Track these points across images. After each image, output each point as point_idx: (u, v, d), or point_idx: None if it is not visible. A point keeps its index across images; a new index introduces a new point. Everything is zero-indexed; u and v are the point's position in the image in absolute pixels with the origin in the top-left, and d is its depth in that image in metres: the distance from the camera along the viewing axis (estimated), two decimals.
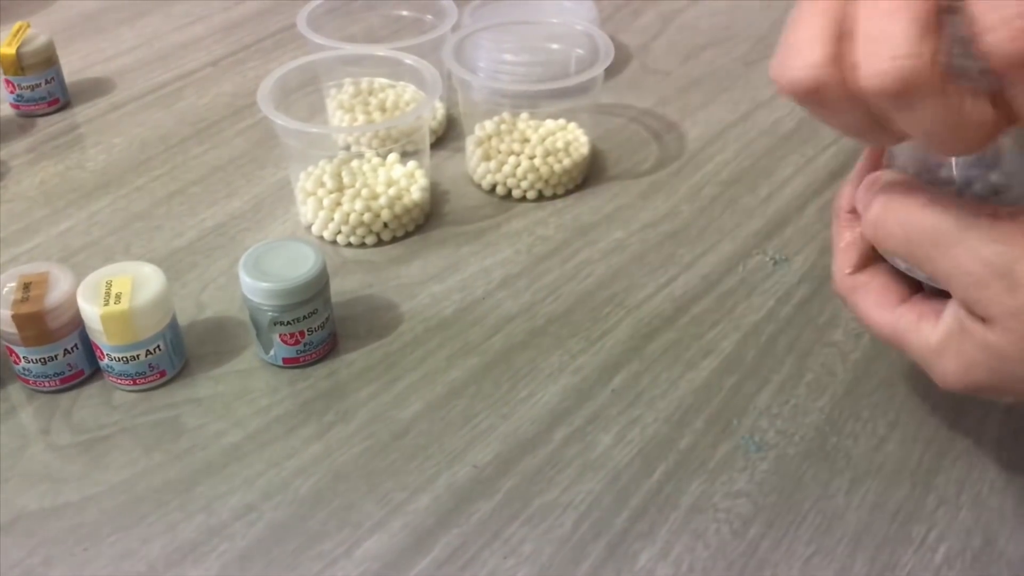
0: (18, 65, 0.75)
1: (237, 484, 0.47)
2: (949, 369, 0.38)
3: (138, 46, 0.87)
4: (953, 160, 0.39)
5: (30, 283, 0.51)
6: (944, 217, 0.36)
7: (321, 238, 0.64)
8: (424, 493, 0.47)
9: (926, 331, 0.39)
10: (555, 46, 0.75)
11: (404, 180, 0.64)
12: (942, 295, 0.39)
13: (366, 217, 0.62)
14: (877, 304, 0.42)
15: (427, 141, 0.66)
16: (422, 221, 0.65)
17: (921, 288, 0.42)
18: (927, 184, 0.39)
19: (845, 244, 0.44)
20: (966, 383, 0.38)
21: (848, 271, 0.43)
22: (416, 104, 0.69)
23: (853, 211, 0.43)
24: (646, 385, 0.52)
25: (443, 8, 0.74)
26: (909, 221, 0.37)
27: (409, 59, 0.67)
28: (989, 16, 0.29)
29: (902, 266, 0.41)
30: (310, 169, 0.64)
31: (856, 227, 0.43)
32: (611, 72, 0.81)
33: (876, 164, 0.43)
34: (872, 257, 0.43)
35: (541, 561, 0.44)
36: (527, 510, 0.46)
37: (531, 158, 0.66)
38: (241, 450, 0.49)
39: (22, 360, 0.51)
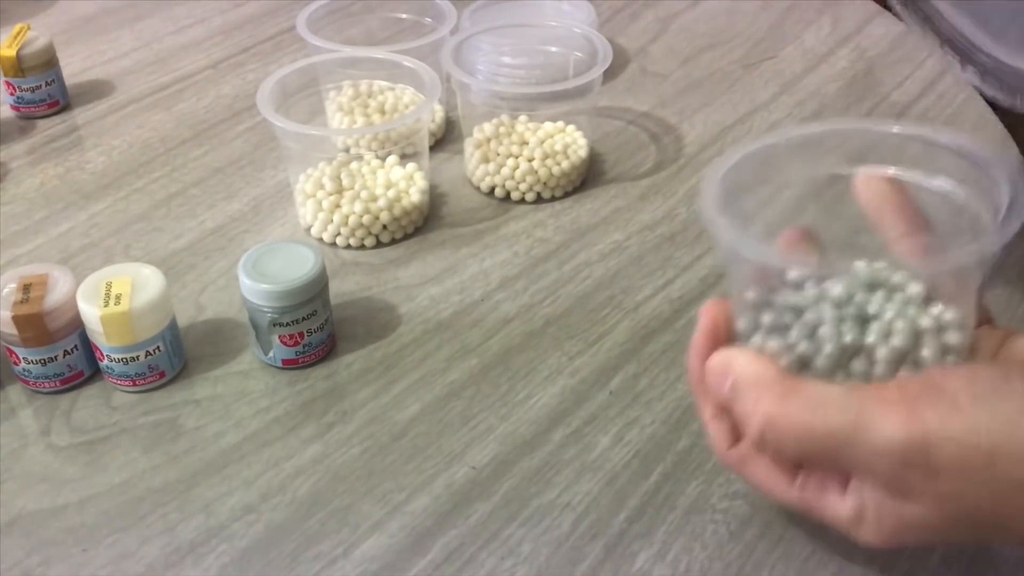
0: (18, 67, 0.75)
1: (236, 485, 0.47)
2: (871, 538, 0.36)
3: (138, 48, 0.87)
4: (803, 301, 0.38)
5: (30, 284, 0.51)
6: (835, 417, 0.33)
7: (320, 240, 0.64)
8: (422, 494, 0.47)
9: (833, 503, 0.37)
10: (554, 49, 0.75)
11: (403, 182, 0.64)
12: None
13: (365, 219, 0.62)
14: (772, 479, 0.39)
15: (426, 143, 0.66)
16: (421, 223, 0.65)
17: None
18: (781, 356, 0.36)
19: (711, 416, 0.41)
20: (892, 545, 0.36)
21: (727, 446, 0.40)
22: (415, 106, 0.69)
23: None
24: (644, 387, 0.52)
25: (442, 11, 0.74)
26: (801, 434, 0.34)
27: (408, 61, 0.67)
28: None
29: None
30: (309, 171, 0.64)
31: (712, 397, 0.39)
32: (609, 75, 0.81)
33: (714, 331, 0.40)
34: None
35: (539, 562, 0.44)
36: (525, 511, 0.46)
37: (530, 160, 0.66)
38: (240, 451, 0.49)
39: (22, 361, 0.51)
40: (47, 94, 0.77)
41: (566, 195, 0.68)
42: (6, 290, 0.51)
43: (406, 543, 0.45)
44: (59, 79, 0.78)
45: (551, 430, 0.50)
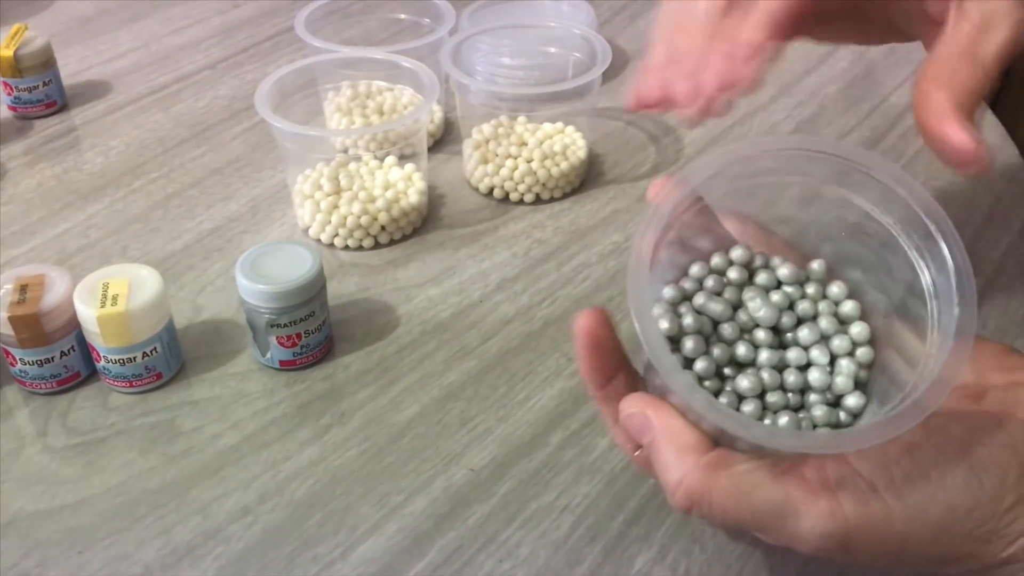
0: (16, 67, 0.75)
1: (233, 487, 0.47)
2: None
3: (135, 49, 0.87)
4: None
5: (27, 285, 0.51)
6: (760, 506, 0.34)
7: (318, 241, 0.64)
8: (420, 496, 0.47)
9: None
10: (553, 49, 0.75)
11: (401, 183, 0.64)
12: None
13: (363, 220, 0.62)
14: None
15: (424, 144, 0.66)
16: (419, 224, 0.65)
17: None
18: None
19: (615, 423, 0.39)
20: None
21: (634, 450, 0.38)
22: (414, 107, 0.69)
23: (604, 386, 0.39)
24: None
25: (441, 11, 0.74)
26: (726, 515, 0.35)
27: (407, 62, 0.67)
28: None
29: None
30: (307, 172, 0.64)
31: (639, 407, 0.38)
32: (609, 75, 0.81)
33: (599, 351, 0.38)
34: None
35: (537, 564, 0.44)
36: (523, 513, 0.46)
37: (528, 161, 0.66)
38: (237, 453, 0.49)
39: (18, 362, 0.51)
40: (44, 94, 0.77)
41: (565, 196, 0.68)
42: (3, 291, 0.51)
43: (404, 545, 0.44)
44: (56, 79, 0.77)
45: (550, 432, 0.50)
